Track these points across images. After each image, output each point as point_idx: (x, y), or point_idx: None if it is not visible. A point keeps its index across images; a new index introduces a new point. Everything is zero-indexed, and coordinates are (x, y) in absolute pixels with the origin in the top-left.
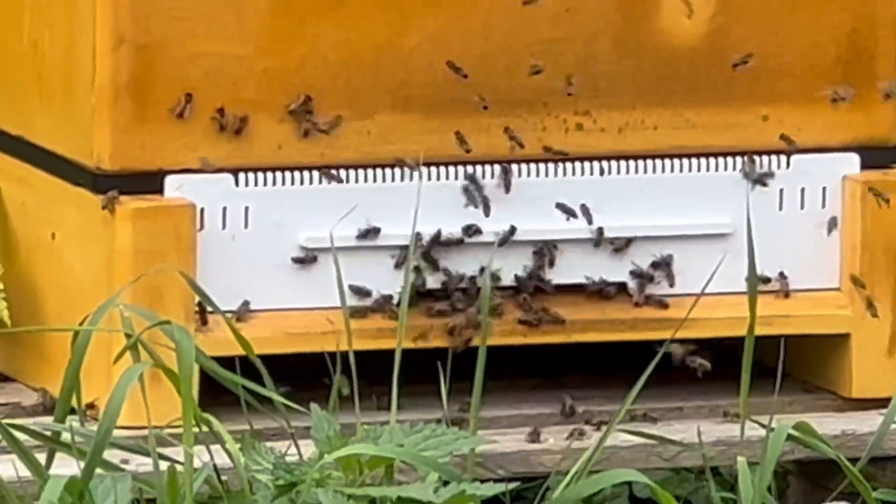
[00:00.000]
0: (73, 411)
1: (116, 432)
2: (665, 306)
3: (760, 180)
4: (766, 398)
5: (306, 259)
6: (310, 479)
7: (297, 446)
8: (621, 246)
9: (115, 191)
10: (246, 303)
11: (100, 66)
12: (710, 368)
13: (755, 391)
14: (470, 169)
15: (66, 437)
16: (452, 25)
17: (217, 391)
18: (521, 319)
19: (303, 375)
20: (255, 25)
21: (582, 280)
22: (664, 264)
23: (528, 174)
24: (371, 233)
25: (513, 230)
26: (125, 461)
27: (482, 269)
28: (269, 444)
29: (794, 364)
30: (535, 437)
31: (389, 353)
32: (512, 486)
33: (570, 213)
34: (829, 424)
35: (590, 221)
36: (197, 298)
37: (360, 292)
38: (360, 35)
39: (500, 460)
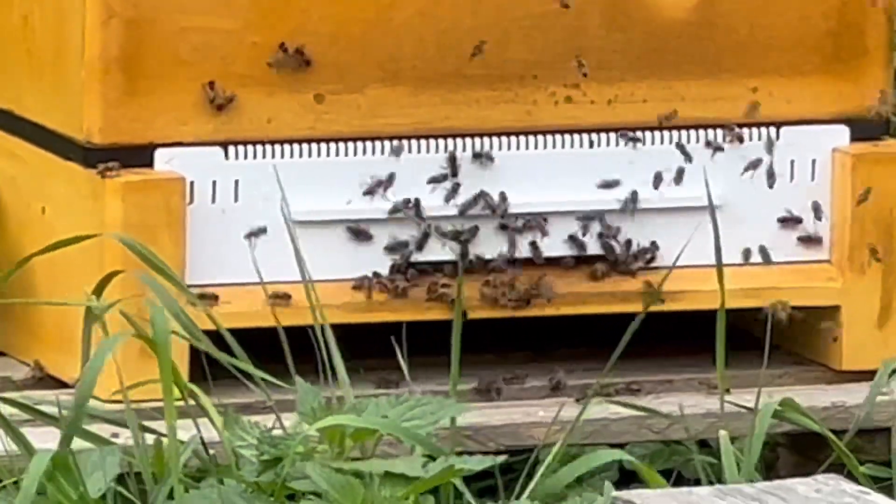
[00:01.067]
0: (65, 385)
1: (109, 406)
2: (632, 275)
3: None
4: (756, 371)
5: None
6: (292, 453)
7: (279, 420)
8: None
9: (117, 162)
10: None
11: (89, 41)
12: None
13: (745, 364)
14: (459, 142)
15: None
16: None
17: (215, 366)
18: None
19: (306, 349)
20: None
21: (571, 253)
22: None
23: (518, 147)
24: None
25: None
26: (115, 435)
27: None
28: (259, 418)
29: (785, 336)
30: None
31: (385, 328)
32: (500, 459)
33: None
34: (818, 397)
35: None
36: (188, 272)
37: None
38: (350, 9)
39: (490, 433)
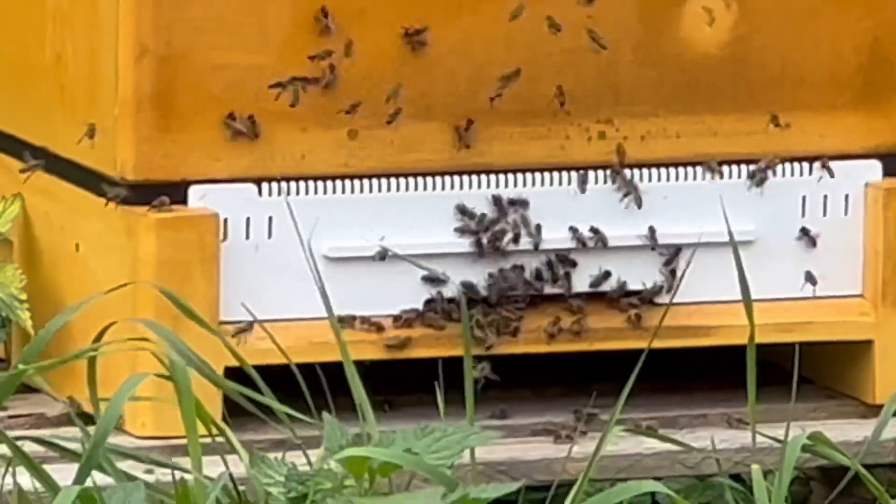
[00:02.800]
0: (91, 421)
1: (145, 443)
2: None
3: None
4: (789, 405)
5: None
6: (313, 489)
7: (306, 457)
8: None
9: (167, 197)
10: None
11: (122, 78)
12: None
13: (778, 398)
14: (493, 178)
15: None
16: (475, 36)
17: (251, 403)
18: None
19: (339, 384)
20: (278, 36)
21: (606, 288)
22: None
23: (551, 183)
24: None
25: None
26: (150, 472)
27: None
28: (295, 454)
29: (818, 371)
30: (559, 437)
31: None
32: (517, 484)
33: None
34: (851, 431)
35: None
36: (222, 308)
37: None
38: (383, 45)
39: (524, 468)
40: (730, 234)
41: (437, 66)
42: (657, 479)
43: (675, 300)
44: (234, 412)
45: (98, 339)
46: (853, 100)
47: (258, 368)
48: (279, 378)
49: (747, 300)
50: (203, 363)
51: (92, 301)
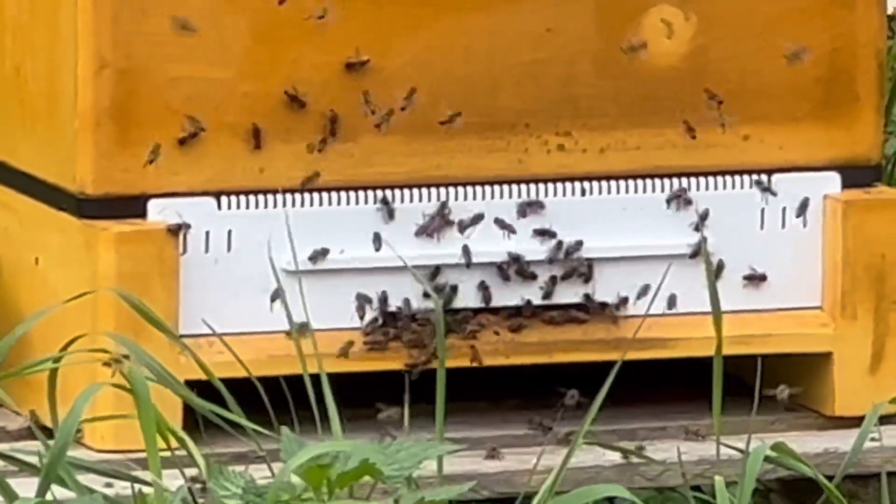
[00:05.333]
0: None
1: (106, 456)
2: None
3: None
4: (748, 417)
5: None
6: (271, 501)
7: (270, 469)
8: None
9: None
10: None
11: (82, 91)
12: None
13: (737, 410)
14: (452, 191)
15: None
16: (433, 48)
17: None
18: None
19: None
20: (237, 49)
21: (568, 300)
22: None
23: (511, 195)
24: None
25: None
26: (109, 485)
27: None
28: (256, 467)
29: (776, 382)
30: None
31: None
32: (468, 485)
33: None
34: (810, 443)
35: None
36: (181, 322)
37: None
38: (342, 58)
39: (484, 480)
40: (704, 247)
41: (396, 79)
42: None
43: (636, 313)
44: (195, 426)
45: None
46: (812, 111)
47: (223, 382)
48: (241, 392)
49: (716, 312)
50: (167, 374)
51: (52, 315)
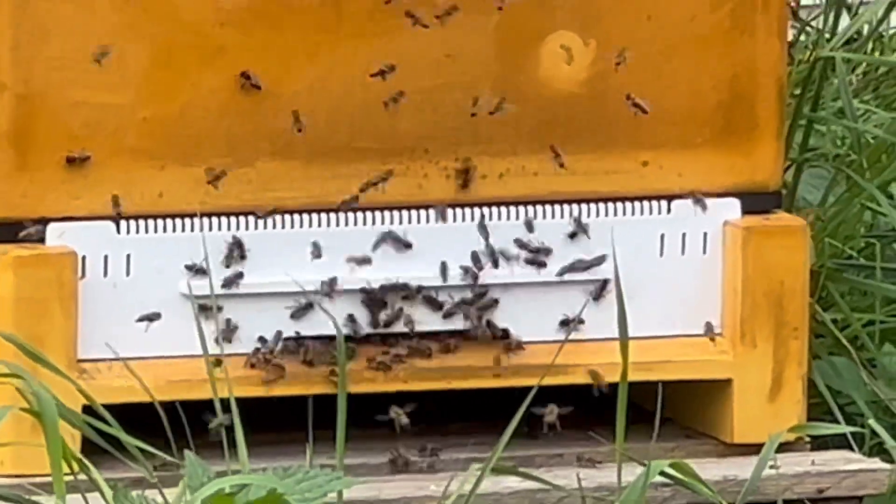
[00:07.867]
0: None
1: (4, 481)
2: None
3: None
4: (648, 444)
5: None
6: None
7: (162, 495)
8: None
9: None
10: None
11: None
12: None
13: (637, 437)
14: (351, 216)
15: None
16: (332, 73)
17: (114, 441)
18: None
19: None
20: (136, 74)
21: (459, 327)
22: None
23: (410, 221)
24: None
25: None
26: None
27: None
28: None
29: (677, 409)
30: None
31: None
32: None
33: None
34: (710, 470)
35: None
36: (80, 346)
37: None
38: (240, 83)
39: None
40: (616, 272)
41: (295, 104)
42: None
43: (536, 339)
44: (92, 451)
45: None
46: (712, 137)
47: (122, 406)
48: (146, 417)
49: (623, 338)
50: (58, 402)
51: None
